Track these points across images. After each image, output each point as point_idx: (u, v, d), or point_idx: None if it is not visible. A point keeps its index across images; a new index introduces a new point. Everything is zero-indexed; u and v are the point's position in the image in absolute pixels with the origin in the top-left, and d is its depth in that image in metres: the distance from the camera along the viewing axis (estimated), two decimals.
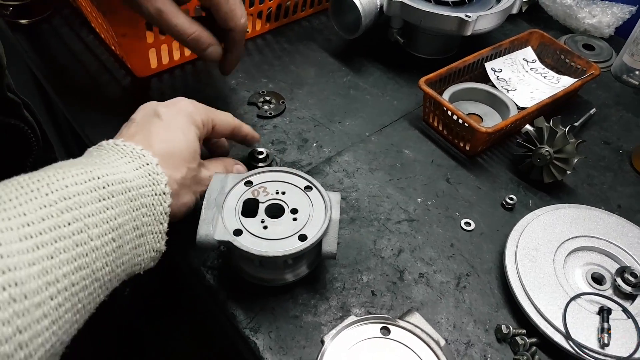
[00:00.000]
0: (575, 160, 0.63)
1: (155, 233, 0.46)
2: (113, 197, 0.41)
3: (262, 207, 0.52)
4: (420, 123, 0.76)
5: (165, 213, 0.47)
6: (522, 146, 0.67)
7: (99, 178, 0.41)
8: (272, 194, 0.53)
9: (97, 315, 0.42)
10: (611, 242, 0.60)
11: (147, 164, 0.46)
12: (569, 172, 0.64)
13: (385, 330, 0.44)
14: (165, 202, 0.46)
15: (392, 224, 0.63)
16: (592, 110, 0.79)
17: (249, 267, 0.54)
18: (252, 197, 0.53)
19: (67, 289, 0.35)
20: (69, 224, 0.36)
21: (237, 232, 0.50)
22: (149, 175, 0.46)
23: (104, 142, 0.48)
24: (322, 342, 0.42)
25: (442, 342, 0.43)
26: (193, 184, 0.52)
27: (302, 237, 0.50)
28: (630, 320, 0.53)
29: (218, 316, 0.56)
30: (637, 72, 0.85)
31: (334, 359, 0.41)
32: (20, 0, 0.85)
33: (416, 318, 0.45)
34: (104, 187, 0.41)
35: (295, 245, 0.49)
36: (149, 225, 0.45)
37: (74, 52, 0.81)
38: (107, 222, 0.40)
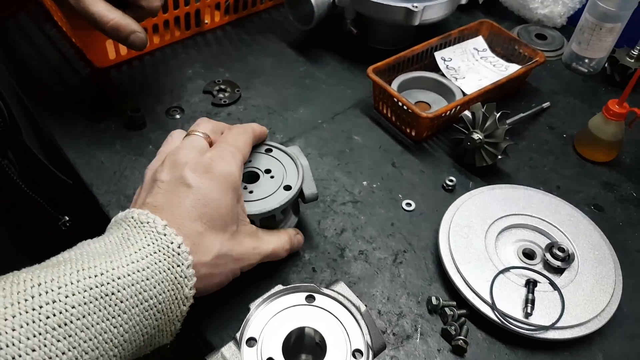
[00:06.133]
0: (505, 145, 0.66)
1: (165, 332, 0.42)
2: (116, 305, 0.38)
3: None
4: (371, 111, 0.78)
5: (183, 315, 0.43)
6: (458, 131, 0.70)
7: (101, 285, 0.37)
8: None
9: None
10: (544, 220, 0.63)
11: (172, 255, 0.42)
12: (499, 157, 0.67)
13: (310, 298, 0.46)
14: (185, 304, 0.43)
15: (337, 205, 0.66)
16: (546, 104, 0.81)
17: None
18: None
19: None
20: (58, 337, 0.35)
21: None
22: (171, 268, 0.41)
23: (127, 214, 0.44)
24: (249, 309, 0.45)
25: (363, 308, 0.45)
26: (229, 262, 0.48)
27: (287, 187, 0.54)
28: (556, 292, 0.56)
29: None
30: (586, 60, 0.88)
31: (258, 325, 0.44)
32: None
33: (341, 287, 0.47)
34: (106, 295, 0.37)
35: (286, 195, 0.53)
36: (160, 329, 0.41)
37: (37, 46, 0.83)
38: (103, 333, 0.37)
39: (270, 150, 0.58)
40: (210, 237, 0.45)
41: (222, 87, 0.78)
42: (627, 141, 0.75)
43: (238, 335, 0.43)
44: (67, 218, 0.63)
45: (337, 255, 0.60)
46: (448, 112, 0.70)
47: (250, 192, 0.54)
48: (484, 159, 0.68)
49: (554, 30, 0.96)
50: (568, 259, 0.58)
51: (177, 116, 0.74)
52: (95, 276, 0.37)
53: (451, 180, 0.68)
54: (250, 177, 0.56)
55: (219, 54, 0.85)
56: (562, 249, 0.58)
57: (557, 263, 0.58)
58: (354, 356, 0.43)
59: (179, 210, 0.44)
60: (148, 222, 0.42)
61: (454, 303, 0.56)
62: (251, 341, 0.43)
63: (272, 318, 0.45)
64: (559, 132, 0.78)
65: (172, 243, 0.42)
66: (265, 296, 0.45)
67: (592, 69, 0.89)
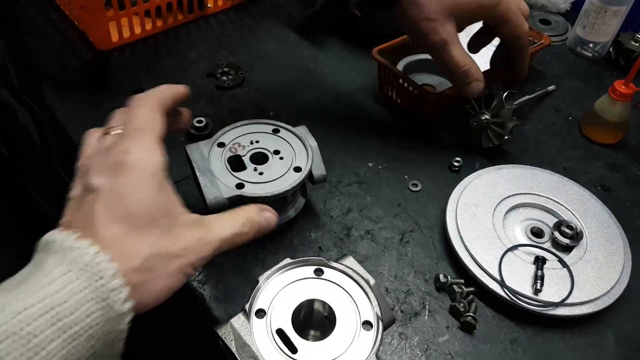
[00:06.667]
0: (511, 125, 0.66)
1: (107, 355, 0.36)
2: (30, 341, 0.31)
3: (247, 160, 0.55)
4: (376, 93, 0.78)
5: (124, 333, 0.36)
6: (465, 112, 0.69)
7: (5, 323, 0.31)
8: (248, 146, 0.56)
9: None
10: (551, 199, 0.62)
11: (88, 269, 0.34)
12: (506, 137, 0.66)
13: (319, 272, 0.46)
14: (122, 321, 0.35)
15: (343, 186, 0.65)
16: (551, 87, 0.81)
17: None
18: (232, 154, 0.55)
19: None
20: None
21: (240, 186, 0.52)
22: (91, 284, 0.34)
23: (40, 241, 0.38)
24: (257, 282, 0.44)
25: (372, 281, 0.45)
26: (169, 261, 0.38)
27: (297, 169, 0.54)
28: (565, 269, 0.56)
29: None
30: (590, 45, 0.88)
31: (267, 297, 0.43)
32: None
33: (349, 261, 0.46)
34: (13, 334, 0.30)
35: (297, 177, 0.54)
36: (99, 354, 0.35)
37: (39, 29, 0.83)
38: None
39: (278, 131, 0.58)
40: (135, 237, 0.37)
41: (226, 69, 0.77)
42: (632, 123, 0.74)
43: (247, 306, 0.42)
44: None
45: (343, 235, 0.60)
46: (454, 92, 0.70)
47: (260, 173, 0.54)
48: (490, 139, 0.67)
49: (558, 16, 0.95)
50: (576, 236, 0.58)
51: None
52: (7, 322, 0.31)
53: (457, 161, 0.67)
54: (259, 158, 0.56)
55: (222, 38, 0.84)
56: (570, 227, 0.58)
57: (566, 241, 0.58)
58: (364, 328, 0.42)
59: (90, 218, 0.37)
60: (54, 241, 0.36)
61: (462, 281, 0.56)
62: (260, 312, 0.42)
63: (280, 290, 0.44)
64: (565, 115, 0.78)
65: (85, 256, 0.34)
66: (274, 269, 0.45)
67: (596, 53, 0.88)
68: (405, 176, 0.67)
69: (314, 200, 0.63)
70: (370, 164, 0.68)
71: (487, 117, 0.66)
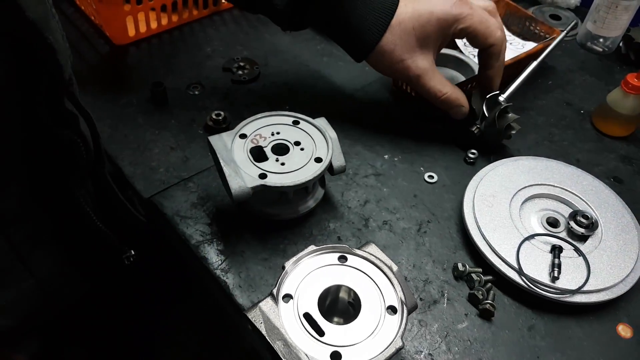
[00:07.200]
0: (504, 124, 0.66)
1: None
2: None
3: (268, 151, 0.56)
4: (390, 86, 0.79)
5: None
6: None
7: None
8: (269, 137, 0.57)
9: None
10: (566, 190, 0.63)
11: None
12: (514, 132, 0.67)
13: (343, 259, 0.47)
14: None
15: (360, 178, 0.66)
16: (568, 27, 0.80)
17: (275, 208, 0.58)
18: (253, 145, 0.56)
19: None
20: None
21: (263, 176, 0.53)
22: None
23: None
24: (283, 267, 0.45)
25: (395, 267, 0.46)
26: None
27: (318, 160, 0.56)
28: (581, 257, 0.57)
29: (191, 262, 0.58)
30: (601, 40, 0.89)
31: (293, 282, 0.44)
32: None
33: (372, 248, 0.47)
34: None
35: (318, 167, 0.55)
36: None
37: None
38: None
39: (298, 123, 0.59)
40: None
41: (242, 64, 0.78)
42: None
43: (275, 291, 0.43)
44: (133, 252, 0.63)
45: (361, 225, 0.61)
46: (469, 85, 0.71)
47: (282, 164, 0.55)
48: (495, 140, 0.68)
49: (568, 11, 0.96)
50: (592, 226, 0.59)
51: (197, 92, 0.74)
52: None
53: (473, 153, 0.68)
54: (280, 149, 0.57)
55: (236, 33, 0.85)
56: (586, 217, 0.59)
57: (581, 230, 0.58)
58: (388, 313, 0.43)
59: None
60: None
61: (480, 270, 0.56)
62: (287, 297, 0.43)
63: (306, 276, 0.45)
64: (577, 108, 0.79)
65: None
66: (299, 255, 0.46)
67: (607, 48, 0.89)
68: (421, 168, 0.68)
69: (332, 192, 0.64)
70: (386, 156, 0.69)
71: (479, 127, 0.67)
